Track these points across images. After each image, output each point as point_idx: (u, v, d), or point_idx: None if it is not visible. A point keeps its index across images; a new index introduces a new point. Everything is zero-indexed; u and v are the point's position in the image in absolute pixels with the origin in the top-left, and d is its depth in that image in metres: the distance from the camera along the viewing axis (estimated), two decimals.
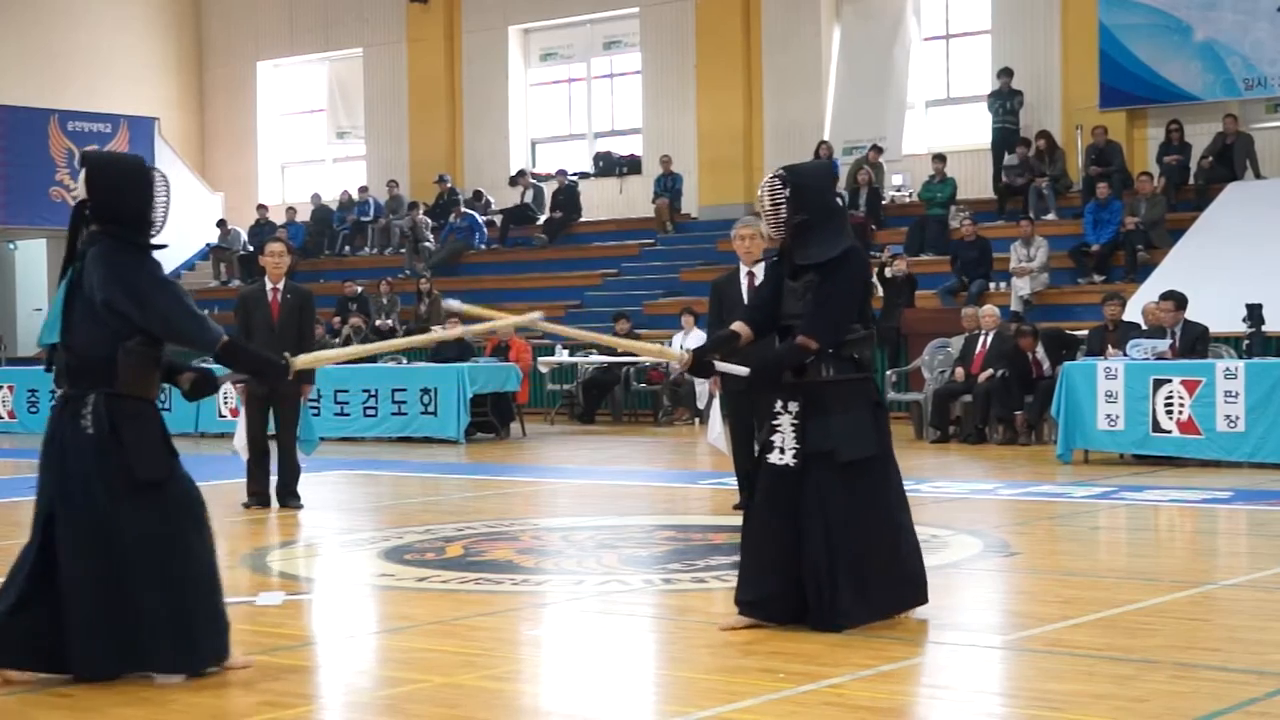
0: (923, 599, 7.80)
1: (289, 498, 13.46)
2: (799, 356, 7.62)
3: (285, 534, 12.19)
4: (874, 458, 7.66)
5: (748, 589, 7.74)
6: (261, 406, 13.34)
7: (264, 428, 13.47)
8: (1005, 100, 26.57)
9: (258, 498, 13.45)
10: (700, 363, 7.83)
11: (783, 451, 7.69)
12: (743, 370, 7.81)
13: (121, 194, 6.84)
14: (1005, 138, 26.49)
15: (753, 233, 12.61)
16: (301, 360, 7.40)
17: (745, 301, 12.38)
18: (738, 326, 7.93)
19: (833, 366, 7.64)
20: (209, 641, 6.75)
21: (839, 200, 8.16)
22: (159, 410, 6.95)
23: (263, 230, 33.43)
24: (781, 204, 7.69)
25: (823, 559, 7.49)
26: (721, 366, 7.89)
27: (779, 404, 7.75)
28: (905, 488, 7.91)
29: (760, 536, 7.76)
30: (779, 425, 7.73)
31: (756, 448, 8.01)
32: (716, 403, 12.79)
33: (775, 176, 7.76)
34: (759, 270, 12.49)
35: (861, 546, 7.54)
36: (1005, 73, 26.53)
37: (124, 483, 6.69)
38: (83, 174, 6.92)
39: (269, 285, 13.55)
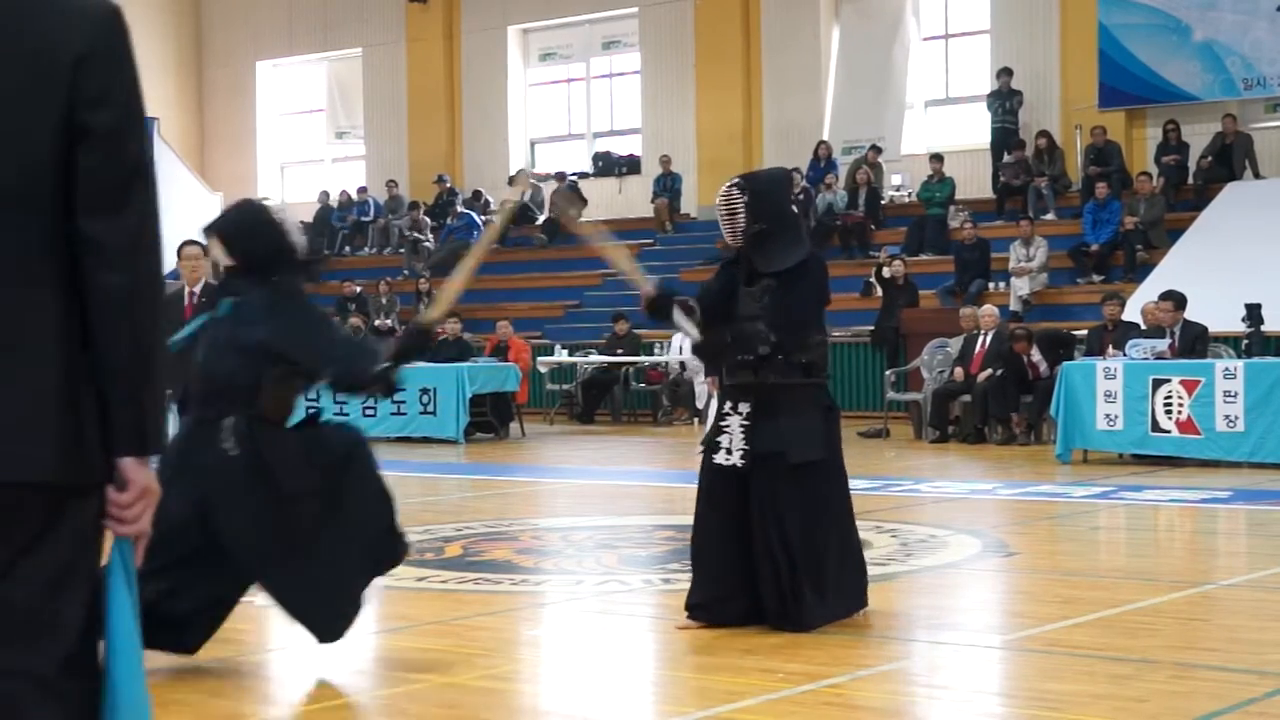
0: (864, 602, 7.79)
1: None
2: (754, 344, 7.60)
3: None
4: (823, 461, 7.64)
5: (697, 592, 7.74)
6: None
7: None
8: (1005, 100, 26.57)
9: None
10: (661, 302, 7.88)
11: (729, 452, 7.66)
12: (694, 332, 7.83)
13: (255, 240, 6.90)
14: (1004, 138, 26.50)
15: None
16: (434, 314, 7.77)
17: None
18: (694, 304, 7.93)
19: (784, 371, 7.63)
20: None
21: (794, 208, 8.23)
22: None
23: None
24: (739, 212, 7.74)
25: (781, 560, 7.49)
26: (678, 316, 7.88)
27: (728, 405, 7.75)
28: (853, 493, 7.93)
29: (706, 539, 7.75)
30: (727, 426, 7.71)
31: (700, 447, 7.99)
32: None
33: (732, 185, 7.82)
34: None
35: (819, 548, 7.54)
36: (1005, 72, 26.53)
37: (270, 499, 6.74)
38: (212, 240, 6.98)
39: (186, 289, 12.68)
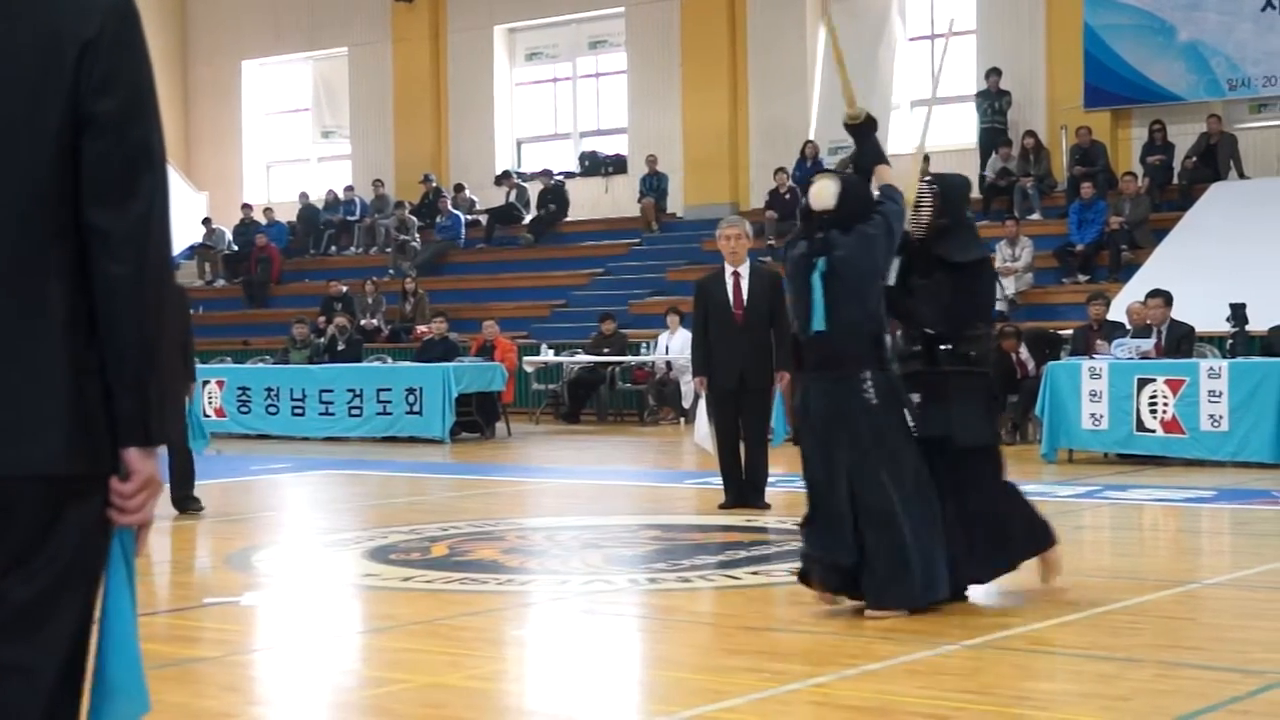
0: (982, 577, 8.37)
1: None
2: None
3: (271, 534, 12.18)
4: (988, 446, 8.24)
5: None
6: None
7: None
8: (994, 100, 26.57)
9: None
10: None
11: None
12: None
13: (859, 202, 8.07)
14: (992, 138, 26.48)
15: (738, 232, 12.64)
16: (851, 109, 8.80)
17: (730, 301, 12.41)
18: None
19: (951, 360, 8.20)
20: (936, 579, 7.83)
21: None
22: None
23: (248, 229, 33.42)
24: (929, 207, 8.32)
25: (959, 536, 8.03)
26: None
27: None
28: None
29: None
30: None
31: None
32: (703, 403, 12.80)
33: (926, 181, 8.44)
34: (744, 270, 12.51)
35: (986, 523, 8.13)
36: (993, 72, 26.54)
37: (902, 443, 7.86)
38: (829, 190, 8.04)
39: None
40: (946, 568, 7.92)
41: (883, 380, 7.92)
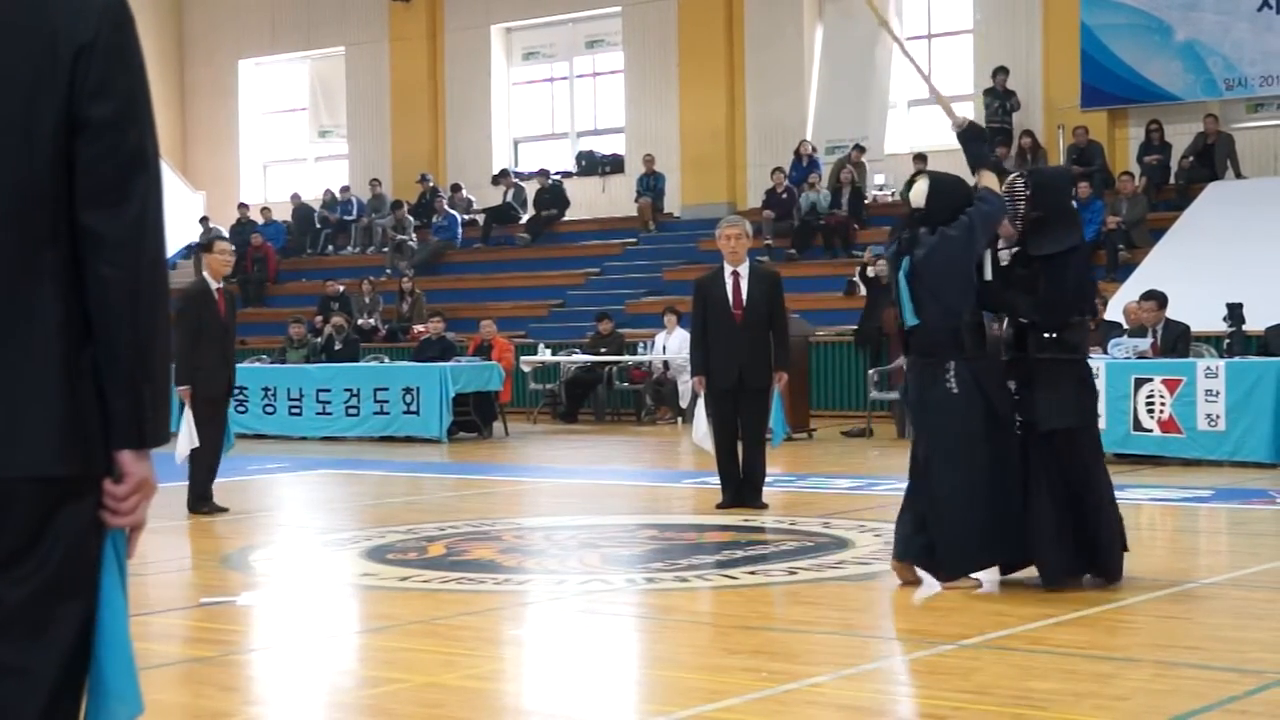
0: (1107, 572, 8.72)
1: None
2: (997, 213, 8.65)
3: (268, 533, 12.18)
4: (1079, 429, 8.53)
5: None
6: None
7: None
8: (1002, 100, 26.42)
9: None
10: (974, 129, 9.23)
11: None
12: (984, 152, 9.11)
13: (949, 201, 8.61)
14: (998, 137, 26.28)
15: (739, 232, 12.62)
16: (957, 116, 9.16)
17: (729, 301, 12.39)
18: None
19: (1044, 347, 8.56)
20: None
21: (1073, 203, 8.96)
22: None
23: (245, 229, 33.41)
24: (1022, 201, 8.62)
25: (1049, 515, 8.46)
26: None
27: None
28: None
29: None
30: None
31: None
32: (701, 402, 12.78)
33: (1018, 176, 8.77)
34: (744, 270, 12.49)
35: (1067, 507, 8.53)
36: (1000, 71, 26.41)
37: (979, 429, 8.42)
38: (920, 190, 8.71)
39: (212, 284, 12.89)
40: (1014, 535, 8.48)
41: (966, 370, 8.49)
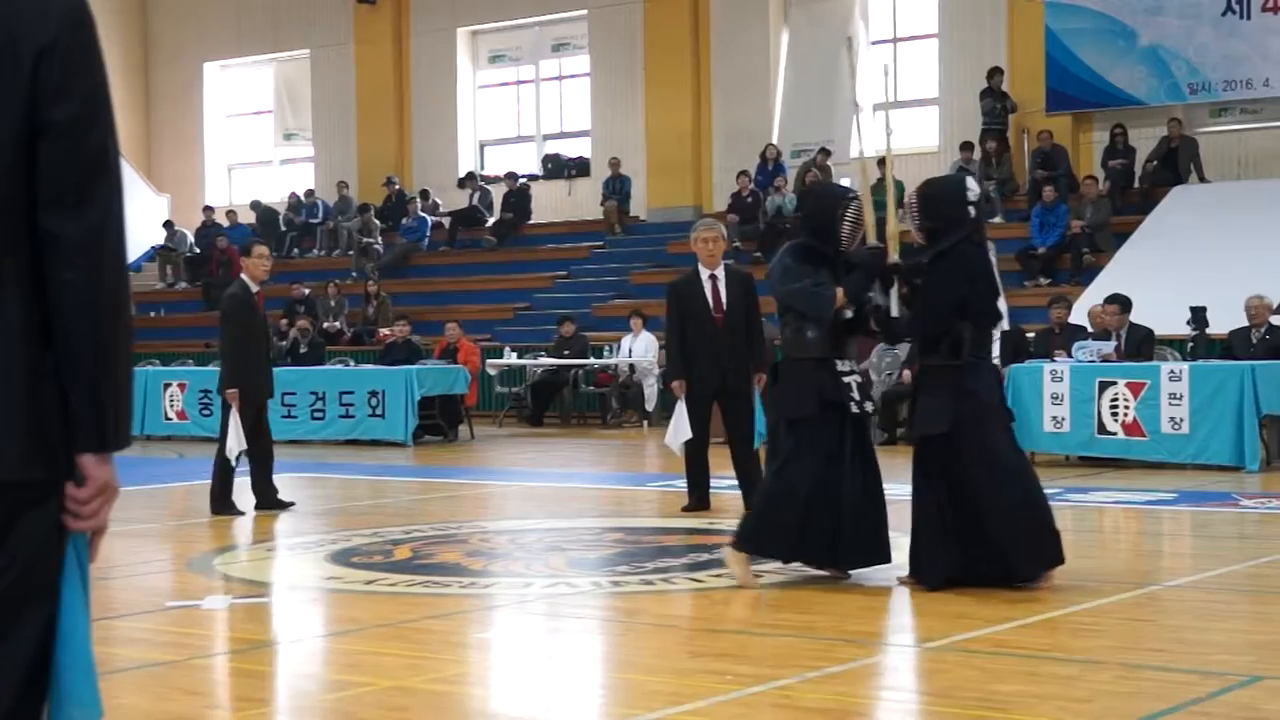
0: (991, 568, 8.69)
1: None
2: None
3: (233, 538, 12.15)
4: (958, 434, 8.47)
5: None
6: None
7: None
8: (1000, 101, 26.26)
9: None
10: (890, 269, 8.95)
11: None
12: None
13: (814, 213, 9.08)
14: (995, 139, 26.15)
15: (715, 235, 12.51)
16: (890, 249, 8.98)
17: (710, 304, 12.28)
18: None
19: (930, 354, 8.70)
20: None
21: (969, 210, 8.83)
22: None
23: (209, 232, 33.31)
24: (916, 213, 8.84)
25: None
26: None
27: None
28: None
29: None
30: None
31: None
32: (682, 406, 12.53)
33: (914, 191, 8.96)
34: (720, 273, 12.41)
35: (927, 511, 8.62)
36: (996, 72, 26.28)
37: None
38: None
39: (253, 287, 13.29)
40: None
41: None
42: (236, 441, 12.90)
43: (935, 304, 8.62)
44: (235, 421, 12.89)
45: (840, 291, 8.78)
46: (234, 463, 12.98)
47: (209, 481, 13.18)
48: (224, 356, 13.41)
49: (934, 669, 6.98)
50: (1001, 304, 8.99)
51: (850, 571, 8.98)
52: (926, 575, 8.54)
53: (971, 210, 8.81)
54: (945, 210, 8.76)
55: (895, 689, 6.57)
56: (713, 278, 12.34)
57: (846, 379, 8.98)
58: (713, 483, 12.74)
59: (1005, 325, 9.12)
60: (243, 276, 13.36)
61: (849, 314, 8.83)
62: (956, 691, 6.40)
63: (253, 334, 13.13)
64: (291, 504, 13.29)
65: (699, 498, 12.47)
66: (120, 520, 12.93)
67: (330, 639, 8.09)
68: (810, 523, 8.75)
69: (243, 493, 13.20)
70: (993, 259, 8.97)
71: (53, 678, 2.97)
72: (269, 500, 13.21)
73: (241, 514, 13.03)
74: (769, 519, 8.88)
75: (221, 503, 13.08)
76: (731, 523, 11.71)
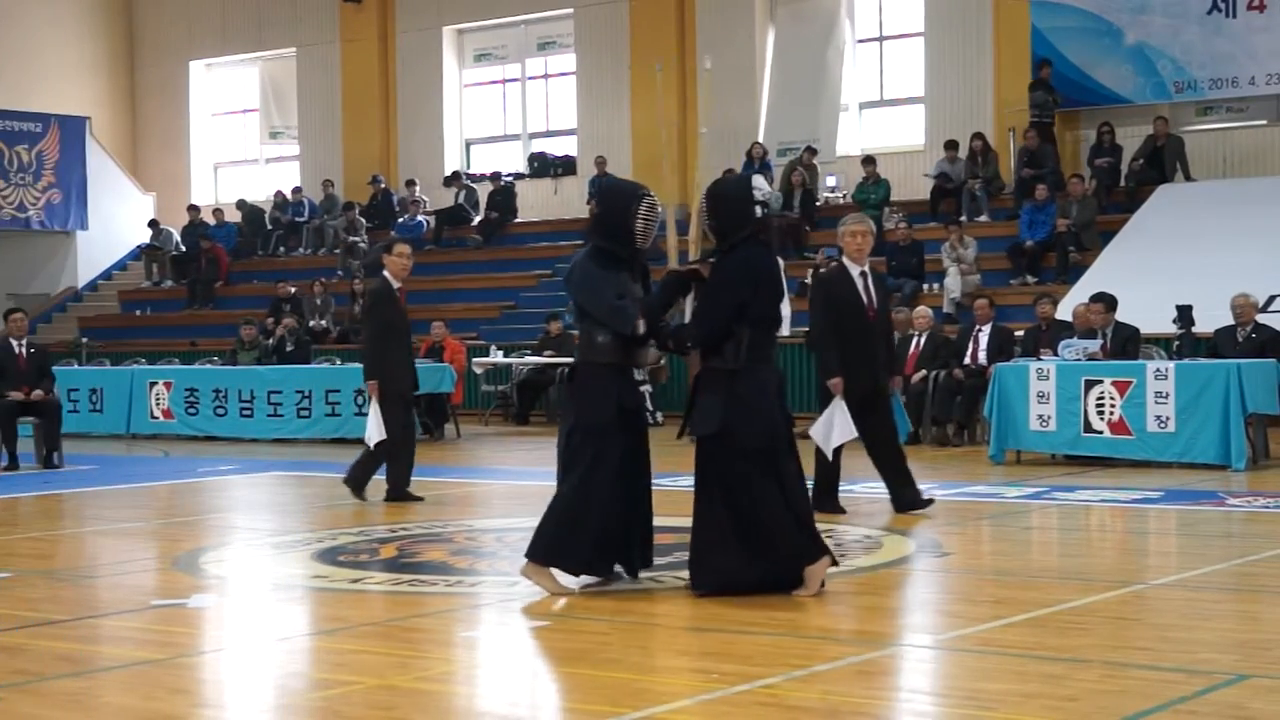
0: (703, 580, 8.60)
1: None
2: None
3: (219, 536, 12.13)
4: (731, 437, 8.38)
5: None
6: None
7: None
8: (1049, 93, 25.96)
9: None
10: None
11: None
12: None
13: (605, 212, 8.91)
14: (1041, 132, 26.03)
15: (865, 229, 12.11)
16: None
17: (864, 301, 11.96)
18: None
19: (708, 357, 8.56)
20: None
21: (755, 208, 8.79)
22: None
23: (195, 230, 33.27)
24: (706, 214, 8.74)
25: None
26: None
27: None
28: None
29: None
30: None
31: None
32: (837, 403, 11.99)
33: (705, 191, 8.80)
34: (868, 269, 12.12)
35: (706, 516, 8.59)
36: (1045, 63, 26.03)
37: None
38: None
39: (394, 284, 13.53)
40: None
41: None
42: (377, 430, 13.38)
43: (716, 306, 8.53)
44: (375, 411, 13.40)
45: (639, 313, 8.65)
46: (371, 446, 13.51)
47: (194, 480, 13.18)
48: (366, 349, 13.88)
49: (921, 667, 6.99)
50: (785, 308, 8.91)
51: (640, 575, 9.01)
52: (704, 578, 8.47)
53: (758, 210, 8.84)
54: (731, 209, 8.70)
55: (881, 687, 6.56)
56: (863, 274, 11.98)
57: (641, 388, 9.06)
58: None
59: (785, 330, 9.15)
60: (385, 273, 13.66)
61: (642, 330, 8.67)
62: (943, 690, 6.40)
63: (394, 328, 13.54)
64: (421, 499, 13.63)
65: (834, 503, 12.16)
66: (106, 519, 12.92)
67: (316, 638, 8.07)
68: (607, 534, 8.72)
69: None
70: (781, 262, 8.96)
71: None
72: (401, 492, 13.61)
73: (365, 501, 13.55)
74: (567, 529, 8.72)
75: (356, 486, 13.71)
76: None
